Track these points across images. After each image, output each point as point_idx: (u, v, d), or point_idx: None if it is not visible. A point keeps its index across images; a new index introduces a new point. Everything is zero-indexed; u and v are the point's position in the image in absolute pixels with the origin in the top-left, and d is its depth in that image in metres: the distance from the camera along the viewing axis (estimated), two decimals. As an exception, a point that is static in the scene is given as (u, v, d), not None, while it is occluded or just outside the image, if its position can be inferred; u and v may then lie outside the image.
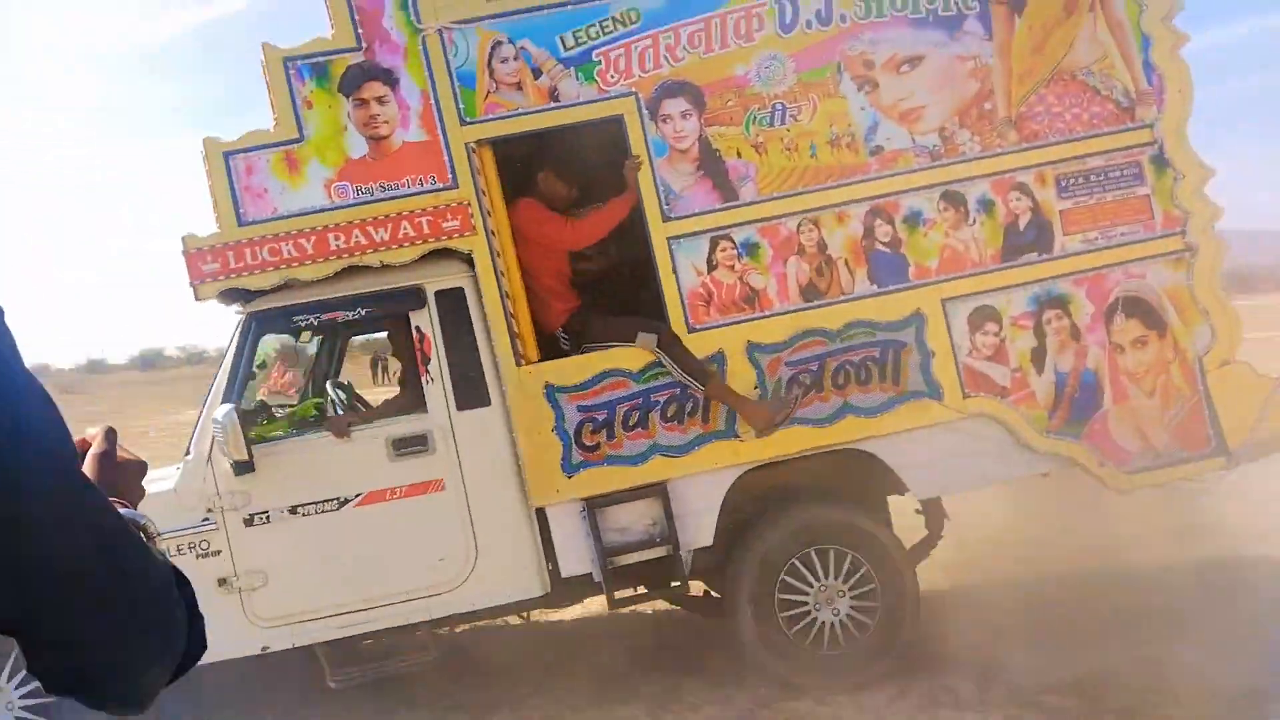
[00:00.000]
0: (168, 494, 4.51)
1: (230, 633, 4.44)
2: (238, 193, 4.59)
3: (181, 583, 0.91)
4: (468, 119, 4.72)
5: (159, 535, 0.96)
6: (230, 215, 4.58)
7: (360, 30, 4.71)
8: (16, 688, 4.49)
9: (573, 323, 4.92)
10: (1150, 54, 5.03)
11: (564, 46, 4.79)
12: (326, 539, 4.56)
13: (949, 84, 4.93)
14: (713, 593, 5.33)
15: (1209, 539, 5.92)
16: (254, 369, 4.75)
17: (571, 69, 4.78)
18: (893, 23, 4.92)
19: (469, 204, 4.67)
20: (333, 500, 4.58)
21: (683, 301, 4.76)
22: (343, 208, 4.63)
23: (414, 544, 4.61)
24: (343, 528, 4.57)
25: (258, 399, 5.45)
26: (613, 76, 4.80)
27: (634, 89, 4.78)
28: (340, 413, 4.97)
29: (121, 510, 0.91)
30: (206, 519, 4.53)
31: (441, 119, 4.70)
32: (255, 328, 4.64)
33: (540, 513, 4.72)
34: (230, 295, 4.72)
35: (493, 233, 4.71)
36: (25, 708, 4.47)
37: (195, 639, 0.91)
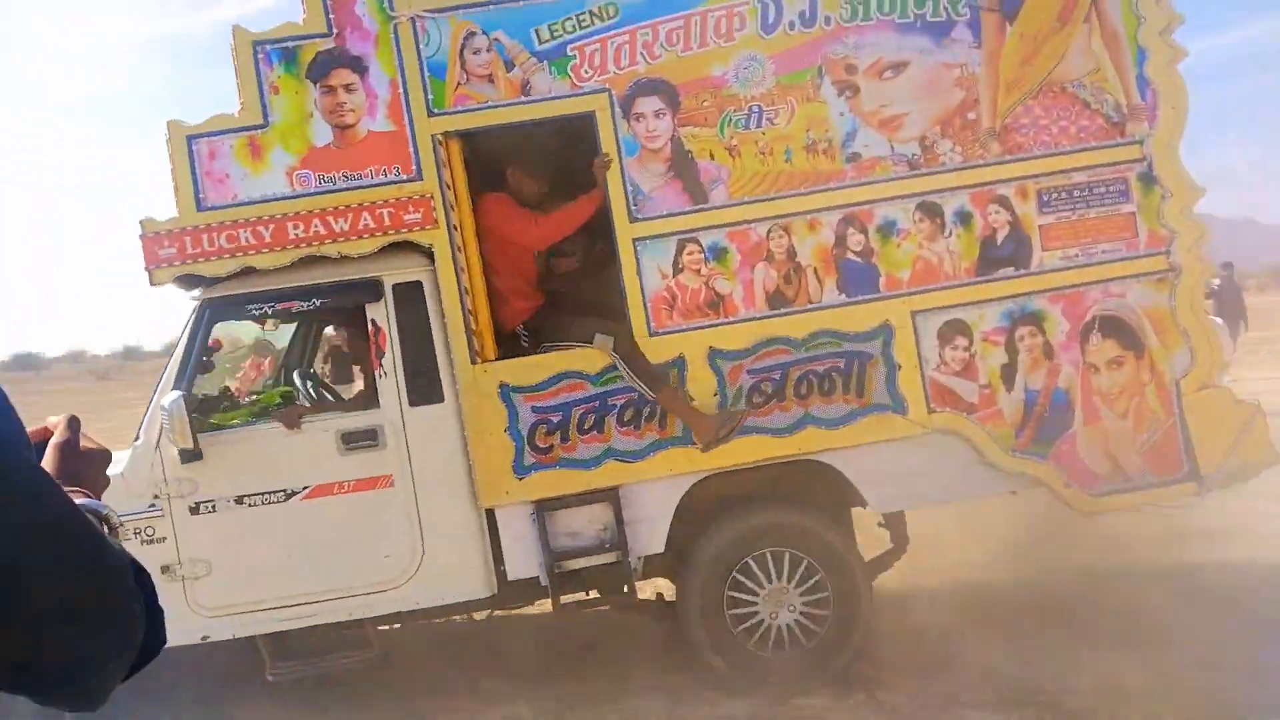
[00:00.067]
0: (115, 478, 4.44)
1: (171, 620, 4.37)
2: (199, 177, 4.54)
3: (140, 575, 0.87)
4: (436, 110, 4.64)
5: (121, 526, 0.94)
6: (190, 200, 4.53)
7: (332, 16, 4.64)
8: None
9: (534, 320, 4.84)
10: (1145, 68, 4.88)
11: (539, 39, 4.70)
12: (272, 530, 4.51)
13: (933, 92, 4.79)
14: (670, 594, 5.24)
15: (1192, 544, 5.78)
16: (207, 356, 4.69)
17: (545, 63, 4.69)
18: (879, 27, 4.79)
19: (432, 197, 4.59)
20: (280, 492, 4.52)
21: (645, 304, 4.66)
22: (304, 196, 4.56)
23: (360, 539, 4.55)
24: (289, 520, 4.51)
25: (223, 385, 5.41)
26: (587, 72, 4.70)
27: (608, 85, 4.69)
28: (308, 404, 4.91)
29: (81, 500, 0.88)
30: (153, 505, 4.49)
31: (409, 109, 4.62)
32: (209, 315, 4.59)
33: (490, 514, 4.64)
34: (188, 281, 4.67)
35: (455, 227, 4.64)
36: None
37: (154, 633, 0.87)
